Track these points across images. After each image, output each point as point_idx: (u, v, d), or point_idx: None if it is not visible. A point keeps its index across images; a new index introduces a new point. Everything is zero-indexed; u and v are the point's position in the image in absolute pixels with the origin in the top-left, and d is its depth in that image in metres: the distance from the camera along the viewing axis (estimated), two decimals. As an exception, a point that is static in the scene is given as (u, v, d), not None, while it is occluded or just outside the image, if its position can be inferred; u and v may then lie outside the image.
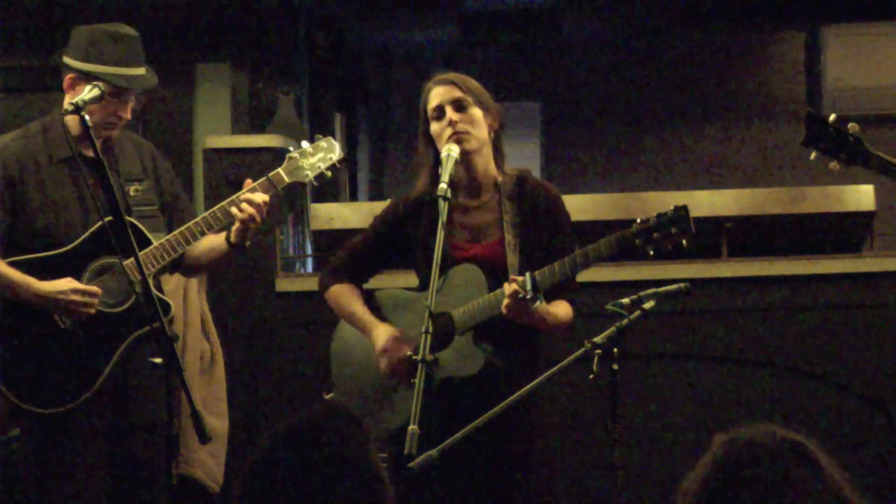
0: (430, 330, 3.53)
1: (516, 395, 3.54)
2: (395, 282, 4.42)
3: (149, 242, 4.06)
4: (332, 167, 4.22)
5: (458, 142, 3.88)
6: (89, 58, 4.08)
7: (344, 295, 4.08)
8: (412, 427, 3.38)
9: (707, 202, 6.20)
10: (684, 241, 3.73)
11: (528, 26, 8.97)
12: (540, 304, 3.72)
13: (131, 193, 4.17)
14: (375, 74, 9.58)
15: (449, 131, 3.88)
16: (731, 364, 5.97)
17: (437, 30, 8.89)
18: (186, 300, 5.40)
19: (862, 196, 6.13)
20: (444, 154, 3.85)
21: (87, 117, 3.82)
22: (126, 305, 4.04)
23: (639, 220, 3.74)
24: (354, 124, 9.07)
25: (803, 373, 5.93)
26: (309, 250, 7.34)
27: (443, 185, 3.73)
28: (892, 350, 5.88)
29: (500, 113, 4.00)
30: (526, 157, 8.83)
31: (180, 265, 4.26)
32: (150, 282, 3.92)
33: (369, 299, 4.08)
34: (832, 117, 3.68)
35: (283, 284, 6.22)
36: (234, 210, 4.05)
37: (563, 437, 5.30)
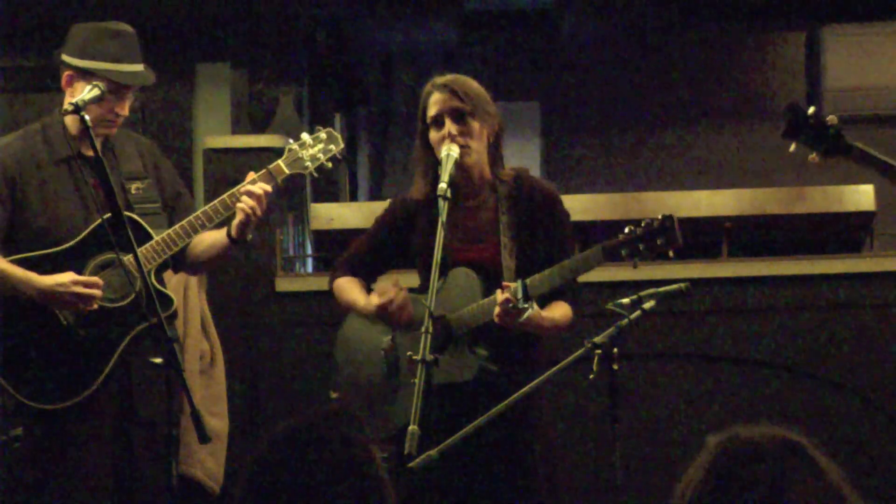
0: (430, 330, 3.53)
1: (517, 394, 3.54)
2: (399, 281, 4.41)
3: (149, 237, 4.06)
4: (333, 158, 4.20)
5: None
6: (87, 54, 4.08)
7: (345, 285, 4.09)
8: (412, 427, 3.38)
9: (707, 202, 6.20)
10: (670, 252, 3.72)
11: (527, 26, 8.97)
12: (532, 312, 3.72)
13: (132, 191, 4.17)
14: (375, 74, 9.58)
15: (447, 142, 3.88)
16: (731, 364, 5.96)
17: (437, 30, 8.88)
18: (186, 300, 5.40)
19: (862, 196, 6.14)
20: (443, 153, 3.84)
21: (87, 117, 3.82)
22: (128, 300, 4.04)
23: (626, 230, 3.72)
24: (354, 124, 9.07)
25: (803, 373, 5.93)
26: (309, 250, 7.34)
27: (443, 185, 3.72)
28: (892, 350, 5.88)
29: (499, 116, 3.99)
30: (526, 157, 8.83)
31: (182, 263, 4.25)
32: (152, 277, 3.92)
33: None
34: (811, 110, 3.71)
35: (283, 284, 6.22)
36: (234, 203, 4.05)
37: (563, 437, 5.30)
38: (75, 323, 4.03)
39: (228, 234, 4.13)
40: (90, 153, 3.91)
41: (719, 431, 1.94)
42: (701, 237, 5.99)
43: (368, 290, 4.09)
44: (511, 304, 3.69)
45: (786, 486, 1.85)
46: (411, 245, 4.02)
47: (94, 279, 4.00)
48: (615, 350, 3.62)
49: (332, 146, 4.18)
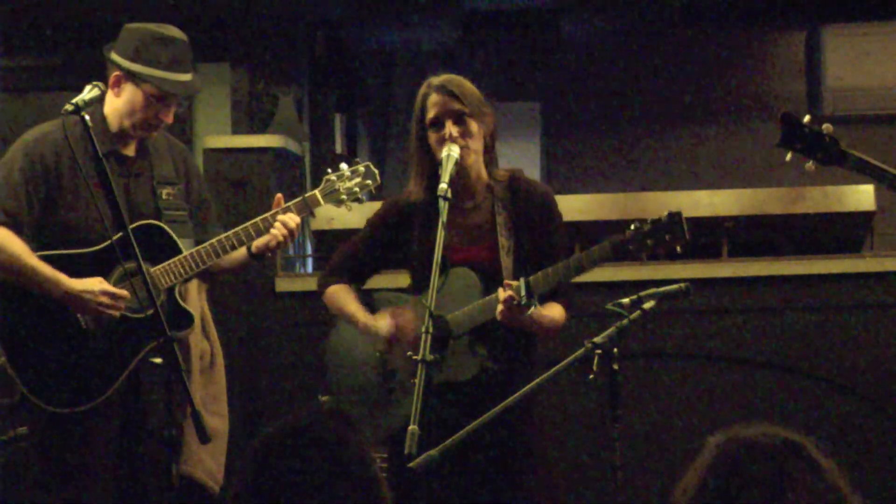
0: (430, 330, 3.53)
1: (517, 394, 3.54)
2: (394, 282, 4.41)
3: (176, 247, 4.05)
4: (368, 193, 4.20)
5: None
6: (139, 58, 4.07)
7: (340, 294, 4.08)
8: (412, 427, 3.38)
9: (707, 202, 6.21)
10: (678, 248, 3.74)
11: (527, 26, 8.96)
12: (534, 309, 3.73)
13: (163, 197, 4.15)
14: (375, 75, 9.58)
15: (448, 143, 3.87)
16: (731, 364, 5.97)
17: (437, 30, 8.88)
18: (186, 300, 5.39)
19: (862, 196, 6.14)
20: (444, 154, 3.84)
21: (87, 117, 3.78)
22: (149, 312, 4.02)
23: (633, 226, 3.73)
24: (354, 124, 9.07)
25: (803, 373, 5.93)
26: (309, 250, 7.35)
27: (443, 185, 3.72)
28: (892, 350, 5.88)
29: (494, 116, 3.99)
30: (526, 157, 8.83)
31: (201, 273, 4.25)
32: (176, 290, 3.91)
33: (368, 301, 4.08)
34: (806, 118, 3.72)
35: (283, 284, 6.22)
36: (267, 227, 4.05)
37: (563, 437, 5.30)
38: (95, 328, 4.02)
39: (248, 250, 4.13)
40: (129, 153, 3.91)
41: (719, 431, 1.94)
42: (701, 237, 5.98)
43: (359, 292, 4.08)
44: (515, 302, 3.70)
45: (786, 486, 1.85)
46: (406, 246, 4.01)
47: (123, 292, 3.98)
48: (615, 350, 3.62)
49: (368, 181, 4.19)
